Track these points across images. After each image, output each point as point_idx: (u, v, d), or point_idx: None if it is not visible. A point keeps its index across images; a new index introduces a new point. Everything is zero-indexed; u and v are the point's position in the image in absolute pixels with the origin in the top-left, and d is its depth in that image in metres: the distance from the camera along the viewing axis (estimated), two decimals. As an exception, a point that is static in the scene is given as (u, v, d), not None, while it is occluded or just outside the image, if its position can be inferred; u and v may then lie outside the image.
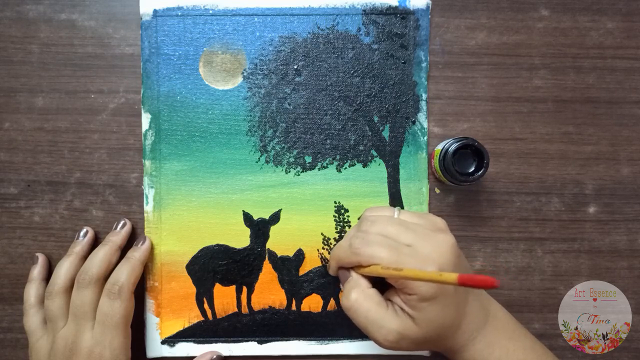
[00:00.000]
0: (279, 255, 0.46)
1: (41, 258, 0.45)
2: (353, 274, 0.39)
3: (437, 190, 0.46)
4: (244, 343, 0.46)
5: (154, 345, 0.46)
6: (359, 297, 0.37)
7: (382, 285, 0.39)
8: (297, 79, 0.46)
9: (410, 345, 0.37)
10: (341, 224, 0.46)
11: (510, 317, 0.40)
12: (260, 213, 0.46)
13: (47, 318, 0.42)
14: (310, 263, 0.46)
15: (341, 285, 0.41)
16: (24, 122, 0.46)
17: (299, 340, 0.46)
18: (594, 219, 0.47)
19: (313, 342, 0.46)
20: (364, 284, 0.38)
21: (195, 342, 0.46)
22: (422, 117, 0.46)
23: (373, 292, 0.38)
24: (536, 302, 0.46)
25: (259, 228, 0.46)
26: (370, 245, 0.37)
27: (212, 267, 0.46)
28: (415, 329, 0.36)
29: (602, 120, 0.47)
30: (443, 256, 0.36)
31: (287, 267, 0.46)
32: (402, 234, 0.37)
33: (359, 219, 0.41)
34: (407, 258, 0.35)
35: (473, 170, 0.42)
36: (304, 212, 0.46)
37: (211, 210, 0.46)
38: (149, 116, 0.46)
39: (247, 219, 0.46)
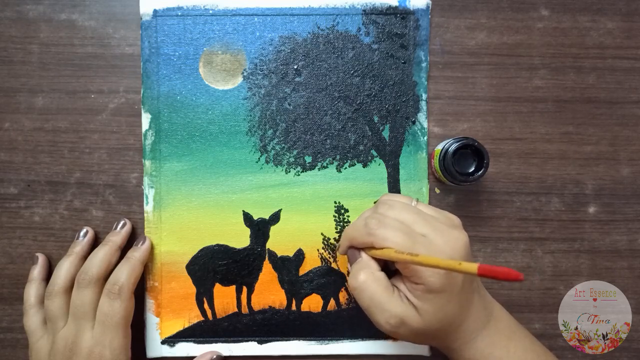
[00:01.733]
0: (279, 255, 0.46)
1: (41, 258, 0.45)
2: (363, 255, 0.39)
3: (437, 190, 0.46)
4: (244, 343, 0.46)
5: (154, 345, 0.46)
6: (367, 278, 0.37)
7: (387, 271, 0.39)
8: (297, 79, 0.46)
9: (409, 334, 0.37)
10: (341, 224, 0.46)
11: (511, 318, 0.40)
12: (260, 213, 0.46)
13: (47, 318, 0.42)
14: (310, 263, 0.46)
15: (348, 265, 0.41)
16: (24, 122, 0.46)
17: (299, 340, 0.46)
18: (594, 219, 0.47)
19: (313, 342, 0.46)
20: (374, 266, 0.38)
21: (195, 342, 0.46)
22: (422, 117, 0.46)
23: (381, 276, 0.38)
24: (536, 302, 0.46)
25: (259, 228, 0.46)
26: (386, 228, 0.37)
27: (212, 267, 0.46)
28: (417, 319, 0.36)
29: (602, 120, 0.47)
30: (456, 251, 0.36)
31: (287, 267, 0.46)
32: (418, 223, 0.37)
33: (375, 202, 0.41)
34: (421, 247, 0.36)
35: (473, 170, 0.42)
36: (304, 212, 0.46)
37: (211, 210, 0.46)
38: (149, 116, 0.46)
39: (247, 219, 0.46)
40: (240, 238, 0.46)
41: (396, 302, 0.37)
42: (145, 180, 0.46)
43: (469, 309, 0.38)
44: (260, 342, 0.46)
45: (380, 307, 0.37)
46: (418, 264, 0.34)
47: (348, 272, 0.46)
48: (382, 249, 0.36)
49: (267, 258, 0.46)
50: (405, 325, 0.36)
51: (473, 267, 0.29)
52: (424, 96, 0.46)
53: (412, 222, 0.37)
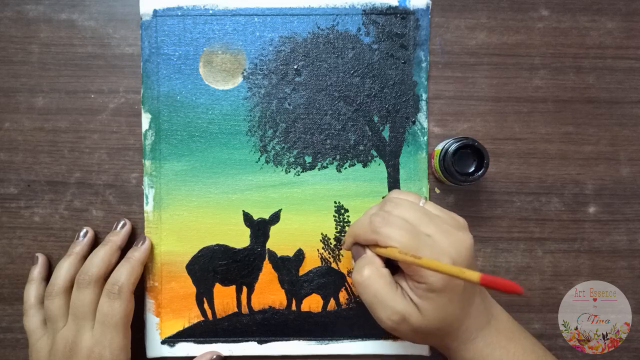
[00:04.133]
0: (279, 255, 0.46)
1: (41, 258, 0.45)
2: (368, 251, 0.39)
3: (437, 190, 0.46)
4: (244, 343, 0.46)
5: (154, 345, 0.46)
6: (371, 274, 0.37)
7: (390, 267, 0.39)
8: (297, 79, 0.46)
9: (409, 332, 0.37)
10: (341, 224, 0.46)
11: (511, 319, 0.40)
12: (260, 213, 0.46)
13: (47, 318, 0.42)
14: (310, 263, 0.46)
15: (352, 262, 0.41)
16: (24, 122, 0.46)
17: (299, 340, 0.46)
18: (594, 219, 0.47)
19: (313, 342, 0.46)
20: (378, 262, 0.38)
21: (195, 342, 0.46)
22: (422, 117, 0.46)
23: (386, 272, 0.38)
24: (536, 302, 0.46)
25: (259, 228, 0.46)
26: (391, 226, 0.36)
27: (212, 267, 0.46)
28: (418, 317, 0.36)
29: (602, 120, 0.47)
30: (459, 253, 0.36)
31: (287, 267, 0.46)
32: (424, 223, 0.37)
33: (383, 197, 0.41)
34: (425, 247, 0.35)
35: (473, 170, 0.42)
36: (304, 212, 0.46)
37: (211, 210, 0.46)
38: (149, 116, 0.46)
39: (247, 219, 0.46)
40: (240, 238, 0.46)
41: (399, 299, 0.37)
42: (145, 180, 0.46)
43: (470, 309, 0.38)
44: (260, 342, 0.46)
45: (383, 303, 0.37)
46: (421, 266, 0.34)
47: (349, 272, 0.46)
48: (386, 247, 0.36)
49: (267, 258, 0.46)
50: (406, 323, 0.36)
51: (476, 276, 0.29)
52: (424, 96, 0.46)
53: (418, 222, 0.37)
